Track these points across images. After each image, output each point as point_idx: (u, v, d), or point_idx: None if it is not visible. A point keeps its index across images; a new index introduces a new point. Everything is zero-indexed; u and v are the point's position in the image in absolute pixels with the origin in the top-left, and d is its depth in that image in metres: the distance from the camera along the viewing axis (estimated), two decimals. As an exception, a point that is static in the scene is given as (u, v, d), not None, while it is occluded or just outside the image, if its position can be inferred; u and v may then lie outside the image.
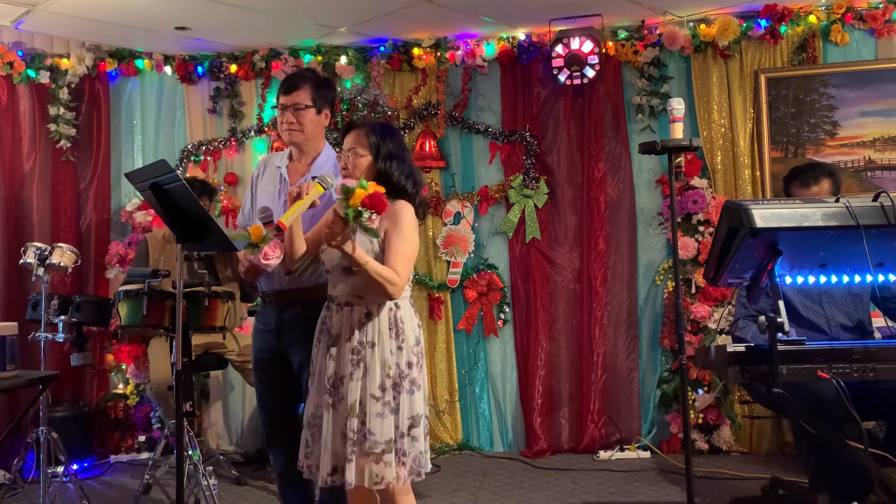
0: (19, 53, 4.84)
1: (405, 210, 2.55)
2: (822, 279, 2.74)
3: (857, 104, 4.53)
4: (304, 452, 2.62)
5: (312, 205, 2.54)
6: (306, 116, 2.89)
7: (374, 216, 2.37)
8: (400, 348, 2.53)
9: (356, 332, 2.51)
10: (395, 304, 2.55)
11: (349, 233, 2.36)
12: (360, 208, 2.32)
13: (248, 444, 5.00)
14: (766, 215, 2.42)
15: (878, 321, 3.50)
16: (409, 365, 2.53)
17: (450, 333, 5.00)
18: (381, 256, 2.51)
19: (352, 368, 2.49)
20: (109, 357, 4.93)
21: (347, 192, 2.33)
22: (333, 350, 2.54)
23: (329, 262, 2.59)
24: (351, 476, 2.44)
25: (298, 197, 2.53)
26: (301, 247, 2.62)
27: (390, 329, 2.53)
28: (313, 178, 2.66)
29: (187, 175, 5.03)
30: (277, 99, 2.95)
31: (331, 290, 2.63)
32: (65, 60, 4.96)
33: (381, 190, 2.37)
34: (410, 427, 2.51)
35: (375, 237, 2.47)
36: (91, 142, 5.11)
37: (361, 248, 2.46)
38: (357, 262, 2.42)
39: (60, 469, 3.76)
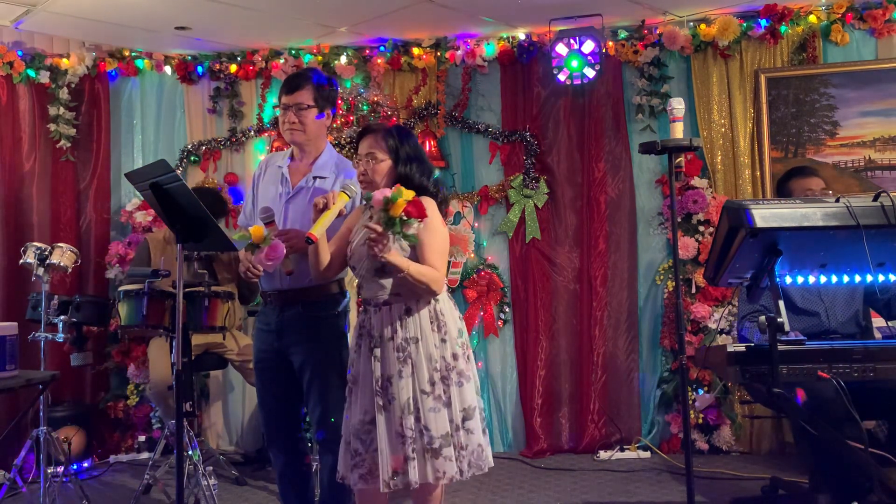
0: (19, 53, 4.84)
1: (430, 206, 2.54)
2: (823, 279, 2.74)
3: (858, 104, 4.53)
4: (349, 463, 2.55)
5: (339, 213, 2.55)
6: (308, 116, 2.89)
7: (418, 224, 2.36)
8: (444, 341, 2.54)
9: (399, 329, 2.52)
10: (434, 298, 2.56)
11: (390, 242, 2.37)
12: (405, 217, 2.32)
13: (248, 444, 5.00)
14: (766, 215, 2.42)
15: (879, 321, 3.50)
16: (455, 356, 2.54)
17: (450, 333, 4.99)
18: (413, 255, 2.51)
19: (399, 367, 2.49)
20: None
21: (388, 203, 2.32)
22: (377, 351, 2.53)
23: (360, 266, 2.58)
24: (415, 475, 2.43)
25: (325, 207, 2.52)
26: (326, 257, 2.63)
27: (431, 322, 2.54)
28: (312, 183, 2.66)
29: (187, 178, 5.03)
30: (280, 98, 2.95)
31: (365, 294, 2.62)
32: (65, 60, 4.95)
33: (415, 197, 2.38)
34: (464, 419, 2.51)
35: (415, 242, 2.45)
36: (91, 142, 5.10)
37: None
38: (400, 269, 2.43)
39: (61, 469, 3.76)
